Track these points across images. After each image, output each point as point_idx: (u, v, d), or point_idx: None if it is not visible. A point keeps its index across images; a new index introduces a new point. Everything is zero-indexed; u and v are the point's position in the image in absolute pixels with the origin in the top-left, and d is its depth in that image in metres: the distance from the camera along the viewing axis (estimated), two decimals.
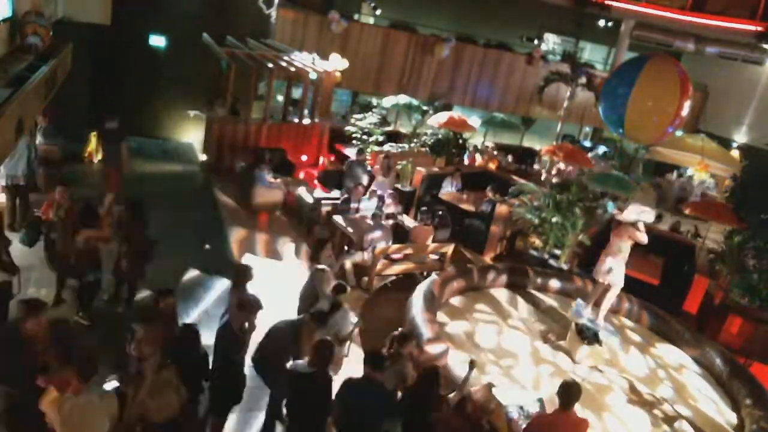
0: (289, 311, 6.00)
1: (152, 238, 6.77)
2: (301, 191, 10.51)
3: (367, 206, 9.63)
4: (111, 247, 6.87)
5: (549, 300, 8.77)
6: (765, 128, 18.20)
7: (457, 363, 5.96)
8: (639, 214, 7.25)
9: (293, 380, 4.60)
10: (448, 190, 11.85)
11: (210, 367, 4.95)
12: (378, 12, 18.13)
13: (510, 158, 16.61)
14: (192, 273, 7.99)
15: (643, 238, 7.21)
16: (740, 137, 19.51)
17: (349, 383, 4.63)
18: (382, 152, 12.49)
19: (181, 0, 12.88)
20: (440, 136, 14.44)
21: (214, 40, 12.14)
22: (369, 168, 11.64)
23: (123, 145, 9.50)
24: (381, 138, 13.59)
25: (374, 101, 17.49)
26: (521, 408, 5.25)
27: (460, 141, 14.71)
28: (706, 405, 6.86)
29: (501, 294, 8.59)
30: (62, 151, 9.52)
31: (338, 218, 9.16)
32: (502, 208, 10.33)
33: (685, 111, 7.42)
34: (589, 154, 15.56)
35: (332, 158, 13.56)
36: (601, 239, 10.31)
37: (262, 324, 5.28)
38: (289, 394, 4.75)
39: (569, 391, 4.55)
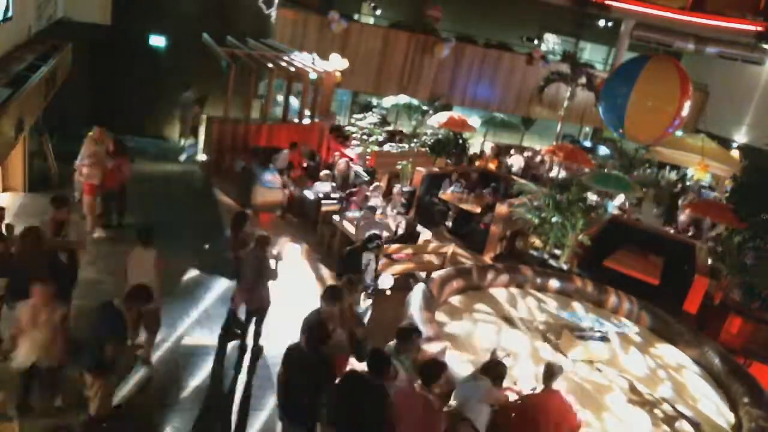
0: (290, 310, 6.00)
1: None
2: (304, 191, 10.50)
3: (368, 205, 9.62)
4: None
5: (549, 300, 8.76)
6: (765, 128, 18.18)
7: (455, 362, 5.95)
8: None
9: None
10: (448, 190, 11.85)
11: None
12: (378, 12, 18.13)
13: (521, 161, 15.95)
14: (192, 273, 8.00)
15: None
16: (740, 137, 19.49)
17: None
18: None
19: (181, 0, 12.89)
20: (440, 136, 14.44)
21: (214, 40, 12.15)
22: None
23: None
24: (381, 138, 13.59)
25: (374, 101, 17.48)
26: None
27: (460, 141, 14.72)
28: (705, 405, 6.86)
29: (501, 294, 8.59)
30: None
31: (338, 218, 9.15)
32: (502, 208, 10.33)
33: (685, 111, 7.42)
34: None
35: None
36: (601, 239, 10.35)
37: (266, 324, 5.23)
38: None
39: (550, 369, 4.86)
